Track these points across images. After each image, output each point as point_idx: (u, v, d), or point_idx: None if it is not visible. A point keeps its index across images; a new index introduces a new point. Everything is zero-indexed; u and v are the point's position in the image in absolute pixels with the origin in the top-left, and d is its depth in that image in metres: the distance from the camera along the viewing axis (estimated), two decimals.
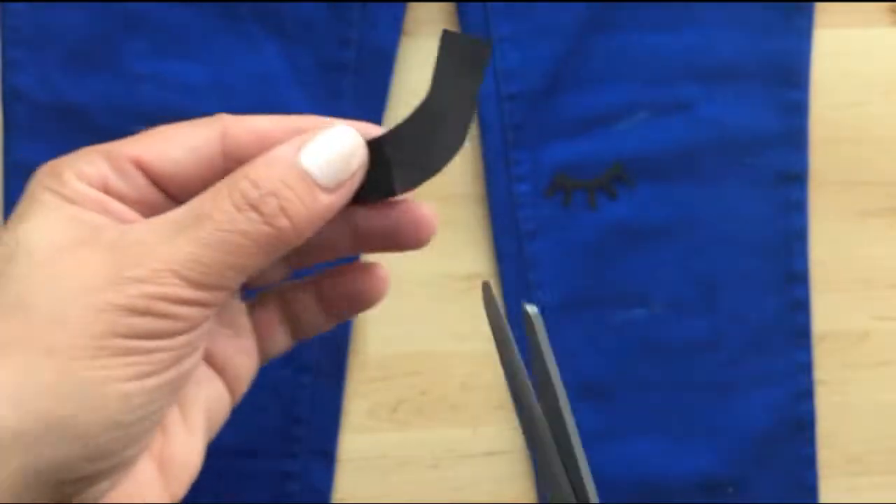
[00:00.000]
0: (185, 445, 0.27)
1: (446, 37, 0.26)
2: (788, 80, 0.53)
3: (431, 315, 0.52)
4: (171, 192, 0.27)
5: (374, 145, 0.26)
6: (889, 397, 0.55)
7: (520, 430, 0.53)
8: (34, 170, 0.50)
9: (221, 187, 0.24)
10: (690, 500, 0.53)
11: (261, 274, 0.29)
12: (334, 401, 0.52)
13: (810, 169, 0.54)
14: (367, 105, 0.52)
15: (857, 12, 0.54)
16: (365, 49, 0.51)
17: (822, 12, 0.54)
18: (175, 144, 0.26)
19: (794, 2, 0.53)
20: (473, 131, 0.53)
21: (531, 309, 0.27)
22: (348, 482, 0.53)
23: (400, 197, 0.28)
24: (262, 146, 0.26)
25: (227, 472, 0.51)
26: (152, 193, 0.26)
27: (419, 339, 0.52)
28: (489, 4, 0.52)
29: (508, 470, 0.53)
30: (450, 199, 0.53)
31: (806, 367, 0.54)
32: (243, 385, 0.29)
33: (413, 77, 0.53)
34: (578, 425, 0.53)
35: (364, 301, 0.30)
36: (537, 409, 0.28)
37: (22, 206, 0.25)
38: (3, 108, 0.50)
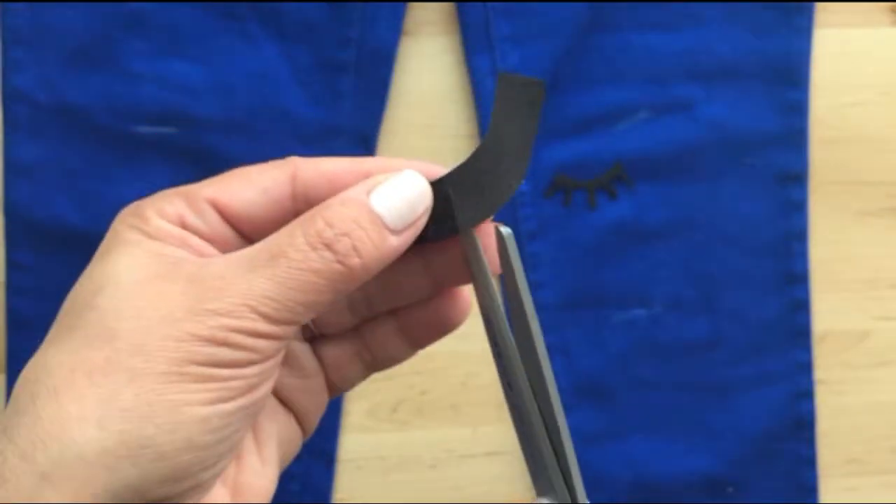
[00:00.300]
0: (257, 474, 0.28)
1: (503, 78, 0.27)
2: (788, 80, 0.53)
3: None
4: (243, 231, 0.28)
5: (436, 185, 0.27)
6: (888, 397, 0.55)
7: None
8: (34, 169, 0.50)
9: (296, 226, 0.26)
10: (690, 500, 0.53)
11: (326, 320, 0.31)
12: (334, 401, 0.52)
13: (810, 169, 0.54)
14: (367, 105, 0.52)
15: (857, 12, 0.54)
16: (365, 49, 0.51)
17: (822, 12, 0.54)
18: (248, 186, 0.28)
19: (794, 2, 0.53)
20: (473, 131, 0.53)
21: (505, 230, 0.28)
22: (348, 482, 0.53)
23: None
24: (331, 187, 0.27)
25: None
26: (226, 232, 0.28)
27: None
28: (489, 4, 0.52)
29: (508, 470, 0.53)
30: None
31: (806, 367, 0.54)
32: (313, 421, 0.31)
33: (413, 77, 0.53)
34: (578, 425, 0.53)
35: (447, 327, 0.31)
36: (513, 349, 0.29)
37: (107, 243, 0.27)
38: (3, 107, 0.50)
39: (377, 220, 0.26)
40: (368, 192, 0.26)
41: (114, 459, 0.23)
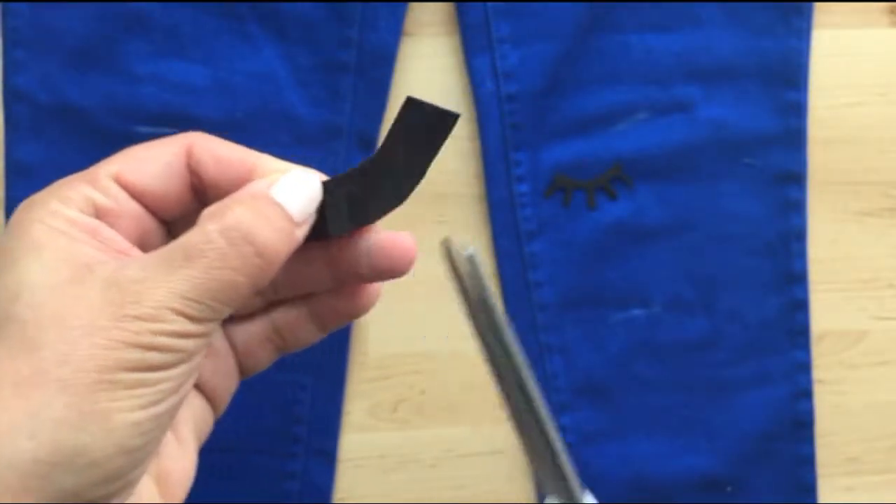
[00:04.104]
0: (178, 460, 0.29)
1: (410, 103, 0.28)
2: (787, 80, 0.53)
3: (431, 315, 0.53)
4: (146, 204, 0.29)
5: (325, 186, 0.29)
6: (887, 397, 0.55)
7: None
8: (35, 169, 0.50)
9: (207, 222, 0.26)
10: (689, 499, 0.53)
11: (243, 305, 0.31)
12: (334, 400, 0.52)
13: (809, 169, 0.54)
14: (368, 105, 0.52)
15: (856, 13, 0.55)
16: (365, 49, 0.51)
17: (820, 13, 0.54)
18: (151, 161, 0.29)
19: (793, 2, 0.53)
20: (473, 131, 0.53)
21: (468, 251, 0.29)
22: (348, 482, 0.53)
23: (375, 227, 0.30)
24: (219, 170, 0.29)
25: (227, 471, 0.51)
26: (133, 207, 0.28)
27: (419, 339, 0.53)
28: (489, 4, 0.52)
29: (508, 470, 0.53)
30: (450, 198, 0.53)
31: (805, 367, 0.54)
32: (224, 401, 0.31)
33: (413, 77, 0.53)
34: (577, 424, 0.53)
35: (354, 314, 0.32)
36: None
37: (13, 242, 0.26)
38: (3, 108, 0.50)
39: (284, 212, 0.27)
40: (269, 187, 0.27)
41: (48, 468, 0.23)
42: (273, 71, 0.51)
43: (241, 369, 0.31)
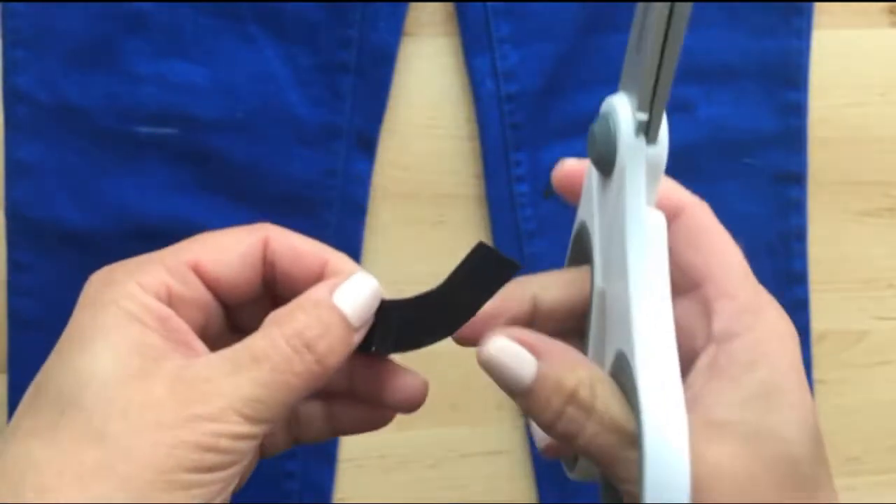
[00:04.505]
0: None
1: (479, 248, 0.29)
2: (787, 80, 0.53)
3: None
4: (219, 293, 0.30)
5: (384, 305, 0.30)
6: (887, 397, 0.55)
7: (519, 430, 0.54)
8: (35, 169, 0.50)
9: (273, 327, 0.27)
10: None
11: None
12: None
13: (809, 169, 0.54)
14: (368, 105, 0.52)
15: (857, 13, 0.55)
16: (365, 50, 0.51)
17: (821, 13, 0.54)
18: (227, 250, 0.30)
19: (793, 2, 0.53)
20: (473, 131, 0.53)
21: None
22: (348, 482, 0.53)
23: (393, 362, 0.32)
24: (296, 263, 0.30)
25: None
26: (206, 296, 0.29)
27: None
28: (489, 4, 0.52)
29: (508, 470, 0.53)
30: (450, 198, 0.53)
31: (805, 367, 0.54)
32: (244, 480, 0.32)
33: (413, 77, 0.53)
34: None
35: (373, 427, 0.33)
36: None
37: (89, 320, 0.27)
38: (3, 108, 0.50)
39: (344, 319, 0.28)
40: (331, 292, 0.28)
41: None
42: (273, 71, 0.51)
43: (261, 454, 0.32)
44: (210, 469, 0.25)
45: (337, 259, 0.30)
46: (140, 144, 0.50)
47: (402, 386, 0.31)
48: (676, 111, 0.53)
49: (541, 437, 0.33)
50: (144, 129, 0.50)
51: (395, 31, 0.51)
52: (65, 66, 0.50)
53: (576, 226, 0.33)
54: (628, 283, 0.26)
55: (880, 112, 0.55)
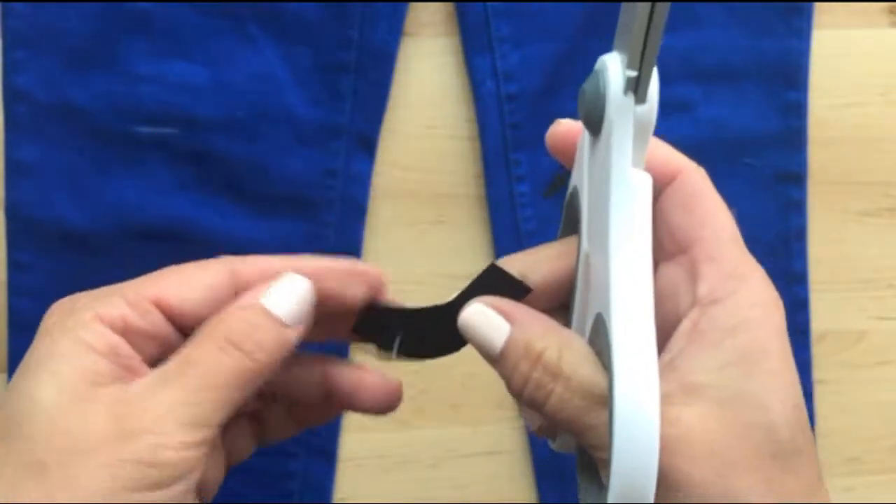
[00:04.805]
0: None
1: (493, 268, 0.30)
2: (787, 80, 0.53)
3: None
4: (184, 326, 0.29)
5: (393, 312, 0.31)
6: (887, 396, 0.55)
7: (519, 430, 0.54)
8: (35, 169, 0.50)
9: (202, 336, 0.28)
10: None
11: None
12: None
13: (809, 169, 0.54)
14: (368, 105, 0.52)
15: (857, 13, 0.55)
16: (365, 50, 0.51)
17: (821, 13, 0.54)
18: (191, 284, 0.29)
19: (793, 2, 0.53)
20: (473, 131, 0.53)
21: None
22: (348, 482, 0.53)
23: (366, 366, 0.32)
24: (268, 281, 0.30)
25: (228, 471, 0.51)
26: (168, 330, 0.29)
27: None
28: (489, 4, 0.52)
29: (508, 470, 0.53)
30: (450, 198, 0.53)
31: (804, 367, 0.54)
32: (214, 491, 0.32)
33: (413, 78, 0.53)
34: None
35: (334, 418, 0.34)
36: None
37: (43, 346, 0.28)
38: (3, 108, 0.50)
39: (271, 316, 0.28)
40: (257, 296, 0.29)
41: None
42: (273, 71, 0.51)
43: (226, 463, 0.32)
44: (156, 485, 0.25)
45: (308, 262, 0.30)
46: (140, 144, 0.50)
47: (378, 389, 0.32)
48: (676, 111, 0.53)
49: (532, 417, 0.32)
50: (145, 129, 0.50)
51: (395, 31, 0.51)
52: (65, 66, 0.50)
53: (568, 192, 0.32)
54: (609, 242, 0.26)
55: (880, 112, 0.55)
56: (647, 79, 0.27)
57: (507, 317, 0.28)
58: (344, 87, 0.51)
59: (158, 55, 0.50)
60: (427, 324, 0.30)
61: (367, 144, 0.52)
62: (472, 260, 0.53)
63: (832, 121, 0.55)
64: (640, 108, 0.27)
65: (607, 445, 0.24)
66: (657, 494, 0.24)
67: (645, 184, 0.27)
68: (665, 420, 0.24)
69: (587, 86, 0.28)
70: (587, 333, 0.28)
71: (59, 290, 0.50)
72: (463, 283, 0.53)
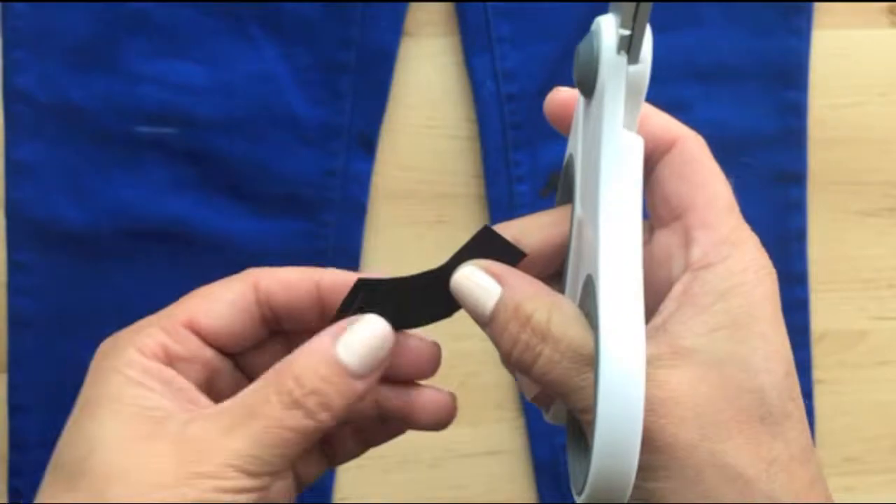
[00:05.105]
0: None
1: (485, 232, 0.29)
2: (787, 80, 0.53)
3: None
4: (218, 346, 0.30)
5: (375, 284, 0.29)
6: (887, 397, 0.55)
7: (519, 430, 0.54)
8: (35, 169, 0.50)
9: (268, 384, 0.27)
10: None
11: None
12: None
13: (809, 169, 0.54)
14: (368, 105, 0.52)
15: (856, 13, 0.55)
16: (365, 49, 0.51)
17: (820, 13, 0.54)
18: (217, 303, 0.30)
19: (793, 2, 0.53)
20: (473, 131, 0.53)
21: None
22: (348, 482, 0.53)
23: (424, 383, 0.32)
24: (288, 294, 0.30)
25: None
26: (205, 352, 0.30)
27: None
28: (489, 4, 0.52)
29: (508, 470, 0.53)
30: (450, 199, 0.53)
31: (804, 367, 0.54)
32: None
33: (413, 78, 0.53)
34: None
35: (398, 432, 0.34)
36: None
37: (93, 391, 0.28)
38: (4, 107, 0.50)
39: (343, 371, 0.27)
40: (334, 340, 0.28)
41: None
42: (273, 71, 0.51)
43: (298, 486, 0.32)
44: None
45: (329, 275, 0.30)
46: (140, 144, 0.50)
47: (431, 405, 0.32)
48: (676, 111, 0.53)
49: (527, 386, 0.32)
50: (144, 129, 0.50)
51: (395, 31, 0.51)
52: (65, 66, 0.50)
53: (565, 160, 0.32)
54: (598, 204, 0.26)
55: (880, 112, 0.55)
56: (640, 38, 0.27)
57: (498, 279, 0.28)
58: (344, 86, 0.51)
59: (158, 55, 0.50)
60: (419, 291, 0.29)
61: (367, 144, 0.52)
62: None
63: (832, 121, 0.54)
64: (633, 69, 0.27)
65: (593, 407, 0.24)
66: (642, 455, 0.24)
67: (636, 145, 0.27)
68: (653, 382, 0.25)
69: (581, 46, 0.27)
70: (578, 298, 0.28)
71: (59, 290, 0.51)
72: None
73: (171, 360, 0.29)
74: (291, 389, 0.27)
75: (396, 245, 0.53)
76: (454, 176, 0.53)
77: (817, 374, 0.54)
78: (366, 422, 0.33)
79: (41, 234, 0.50)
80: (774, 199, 0.54)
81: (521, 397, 0.53)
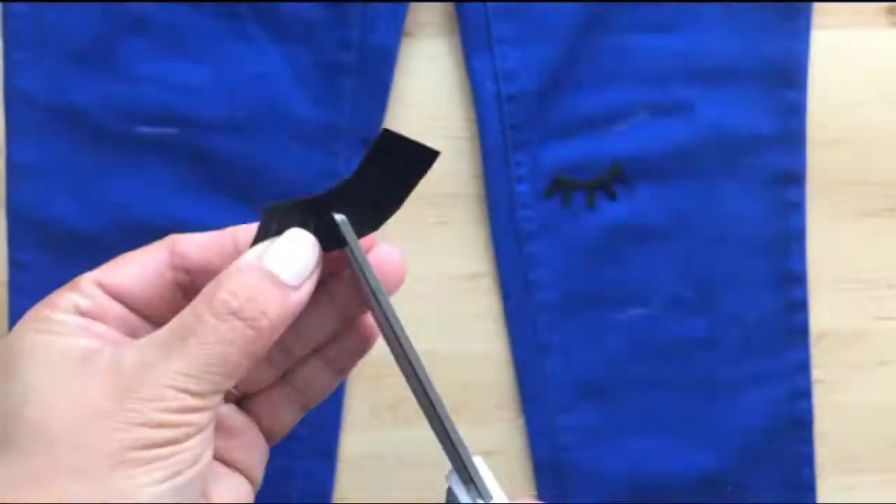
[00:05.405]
0: None
1: (385, 135, 0.28)
2: (786, 80, 0.53)
3: (431, 315, 0.53)
4: (132, 305, 0.30)
5: (321, 200, 0.29)
6: (887, 396, 0.55)
7: (519, 430, 0.54)
8: (36, 169, 0.50)
9: (199, 303, 0.27)
10: (689, 499, 0.53)
11: (251, 381, 0.32)
12: (335, 400, 0.52)
13: (808, 169, 0.54)
14: (368, 106, 0.52)
15: (855, 13, 0.55)
16: (366, 50, 0.51)
17: (819, 13, 0.54)
18: (127, 263, 0.30)
19: (792, 2, 0.53)
20: (473, 131, 0.53)
21: (339, 217, 0.29)
22: (348, 482, 0.53)
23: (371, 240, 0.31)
24: (203, 252, 0.30)
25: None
26: (115, 308, 0.29)
27: (419, 338, 0.52)
28: (489, 5, 0.52)
29: (508, 470, 0.53)
30: (450, 198, 0.53)
31: (804, 367, 0.54)
32: (258, 472, 0.32)
33: (413, 78, 0.53)
34: (577, 424, 0.53)
35: (367, 347, 0.33)
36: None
37: (12, 353, 0.27)
38: (4, 108, 0.50)
39: (275, 279, 0.27)
40: (260, 256, 0.28)
41: None
42: (273, 71, 0.51)
43: (269, 436, 0.32)
44: (166, 443, 0.25)
45: (245, 229, 0.30)
46: (140, 144, 0.50)
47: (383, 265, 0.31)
48: (676, 111, 0.53)
49: None
50: (145, 129, 0.50)
51: (395, 32, 0.51)
52: (65, 67, 0.50)
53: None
54: None
55: (880, 112, 0.55)
56: (481, 482, 0.30)
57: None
58: (344, 87, 0.51)
59: (158, 55, 0.50)
60: (343, 208, 0.29)
61: (367, 144, 0.52)
62: (473, 260, 0.53)
63: (831, 121, 0.55)
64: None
65: None
66: None
67: None
68: None
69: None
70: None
71: None
72: (463, 283, 0.53)
73: (83, 315, 0.28)
74: (226, 300, 0.26)
75: (396, 245, 0.53)
76: (454, 176, 0.53)
77: (817, 374, 0.54)
78: (329, 344, 0.32)
79: (41, 234, 0.50)
80: (774, 199, 0.54)
81: (521, 397, 0.53)
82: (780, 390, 0.54)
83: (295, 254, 0.28)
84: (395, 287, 0.31)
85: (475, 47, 0.52)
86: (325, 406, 0.52)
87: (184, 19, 0.50)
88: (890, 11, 0.55)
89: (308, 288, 0.28)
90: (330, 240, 0.29)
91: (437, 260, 0.53)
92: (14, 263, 0.51)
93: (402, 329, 0.30)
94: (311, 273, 0.28)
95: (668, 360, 0.53)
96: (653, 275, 0.53)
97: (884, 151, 0.55)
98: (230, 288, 0.27)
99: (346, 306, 0.31)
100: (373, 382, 0.53)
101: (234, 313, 0.26)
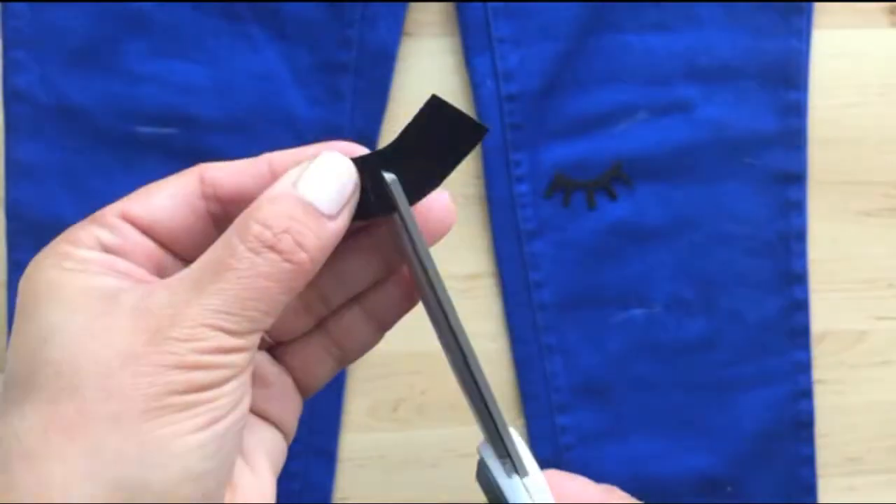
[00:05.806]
0: (254, 490, 0.28)
1: (433, 101, 0.26)
2: (787, 80, 0.53)
3: None
4: (160, 239, 0.27)
5: (367, 162, 0.27)
6: (887, 397, 0.55)
7: (519, 430, 0.54)
8: (35, 169, 0.50)
9: (232, 235, 0.25)
10: (689, 499, 0.53)
11: (286, 327, 0.30)
12: (335, 400, 0.52)
13: (809, 169, 0.54)
14: (368, 105, 0.52)
15: (856, 13, 0.55)
16: (365, 50, 0.51)
17: (820, 13, 0.54)
18: (155, 194, 0.27)
19: (792, 2, 0.53)
20: None
21: (389, 176, 0.27)
22: (348, 482, 0.53)
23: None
24: (236, 181, 0.27)
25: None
26: (145, 242, 0.27)
27: (419, 338, 0.52)
28: (489, 4, 0.52)
29: None
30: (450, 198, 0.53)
31: (804, 367, 0.54)
32: (292, 425, 0.30)
33: (413, 77, 0.53)
34: (577, 424, 0.53)
35: (411, 302, 0.31)
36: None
37: (30, 291, 0.25)
38: (3, 108, 0.50)
39: (310, 209, 0.25)
40: (294, 184, 0.25)
41: None
42: (273, 71, 0.51)
43: (303, 389, 0.30)
44: (203, 387, 0.23)
45: (280, 154, 0.28)
46: (140, 144, 0.50)
47: (430, 212, 0.29)
48: (676, 111, 0.53)
49: None
50: (144, 129, 0.50)
51: (395, 31, 0.51)
52: (65, 66, 0.50)
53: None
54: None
55: (880, 112, 0.55)
56: (517, 457, 0.29)
57: None
58: (344, 86, 0.51)
59: (158, 55, 0.50)
60: (404, 159, 0.27)
61: (367, 144, 0.52)
62: (472, 260, 0.53)
63: (832, 121, 0.55)
64: (528, 480, 0.29)
65: None
66: None
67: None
68: None
69: (479, 477, 0.30)
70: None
71: None
72: (463, 283, 0.53)
73: (108, 251, 0.26)
74: (260, 233, 0.24)
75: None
76: (454, 176, 0.53)
77: (817, 374, 0.54)
78: (369, 293, 0.30)
79: (42, 234, 0.50)
80: (774, 198, 0.54)
81: (521, 397, 0.53)
82: (781, 390, 0.54)
83: (331, 179, 0.26)
84: (443, 232, 0.29)
85: (475, 47, 0.52)
86: (324, 406, 0.52)
87: (183, 19, 0.50)
88: (890, 11, 0.55)
89: (346, 216, 0.26)
90: (372, 205, 0.27)
91: (437, 260, 0.53)
92: (14, 263, 0.51)
93: (447, 296, 0.28)
94: (349, 199, 0.26)
95: (669, 360, 0.53)
96: (653, 275, 0.53)
97: (884, 151, 0.55)
98: (263, 219, 0.24)
99: (389, 252, 0.29)
100: (373, 382, 0.53)
101: (270, 246, 0.24)
